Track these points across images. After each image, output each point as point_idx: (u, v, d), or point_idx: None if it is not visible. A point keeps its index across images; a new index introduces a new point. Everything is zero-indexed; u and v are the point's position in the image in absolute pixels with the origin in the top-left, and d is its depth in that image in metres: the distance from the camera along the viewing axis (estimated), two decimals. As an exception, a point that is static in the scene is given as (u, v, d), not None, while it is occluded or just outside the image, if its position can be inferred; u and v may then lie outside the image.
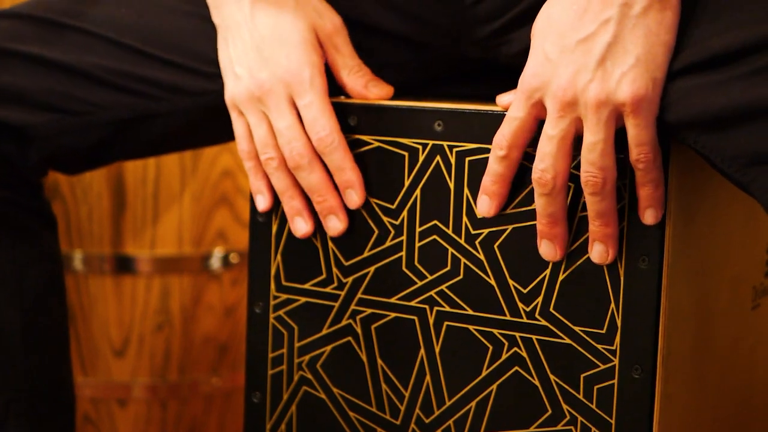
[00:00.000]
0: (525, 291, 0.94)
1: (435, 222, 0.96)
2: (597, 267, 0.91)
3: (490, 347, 0.95)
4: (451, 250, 0.96)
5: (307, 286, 1.02)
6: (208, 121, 1.07)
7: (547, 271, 0.92)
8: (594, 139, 0.86)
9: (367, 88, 1.01)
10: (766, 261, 1.07)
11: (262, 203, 1.03)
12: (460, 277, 0.96)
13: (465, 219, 0.95)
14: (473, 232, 0.95)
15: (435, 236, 0.96)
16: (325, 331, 1.02)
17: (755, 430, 1.11)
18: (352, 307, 1.00)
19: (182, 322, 1.53)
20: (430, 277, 0.97)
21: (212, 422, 1.58)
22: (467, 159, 0.94)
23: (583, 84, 0.85)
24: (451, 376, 0.97)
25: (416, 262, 0.97)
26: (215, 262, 1.54)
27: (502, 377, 0.95)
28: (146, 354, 1.53)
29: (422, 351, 0.98)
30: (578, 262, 0.91)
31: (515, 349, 0.94)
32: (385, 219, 0.98)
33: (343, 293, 1.01)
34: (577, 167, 0.88)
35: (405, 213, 0.98)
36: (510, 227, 0.93)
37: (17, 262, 1.08)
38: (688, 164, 0.91)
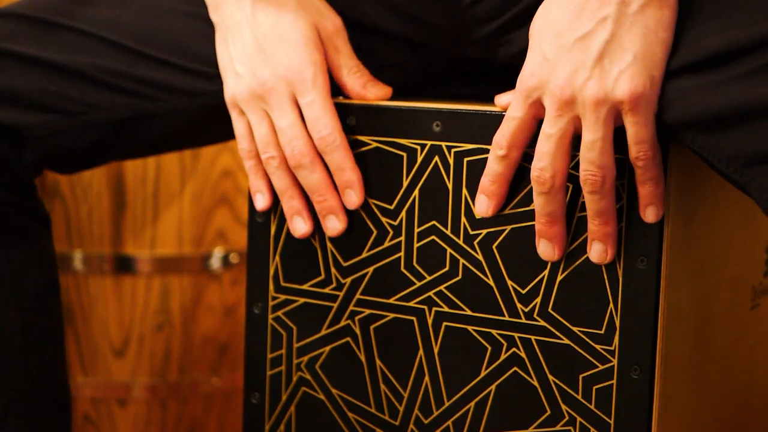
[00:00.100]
0: (523, 291, 0.93)
1: (433, 222, 0.96)
2: (596, 267, 0.91)
3: (489, 348, 0.95)
4: (449, 250, 0.96)
5: (305, 286, 1.02)
6: (207, 121, 1.07)
7: (546, 272, 0.92)
8: (593, 137, 0.86)
9: (366, 88, 1.01)
10: (765, 261, 1.07)
11: (262, 202, 1.03)
12: (459, 277, 0.96)
13: (463, 219, 0.95)
14: (472, 232, 0.95)
15: (433, 237, 0.96)
16: (323, 332, 1.02)
17: (755, 430, 1.11)
18: (351, 307, 1.00)
19: (182, 322, 1.53)
20: (428, 278, 0.97)
21: (212, 422, 1.58)
22: (466, 159, 0.94)
23: (581, 82, 0.85)
24: (450, 376, 0.97)
25: (415, 263, 0.97)
26: (215, 262, 1.54)
27: (501, 378, 0.95)
28: (146, 354, 1.53)
29: (421, 351, 0.98)
30: (577, 263, 0.91)
31: (514, 349, 0.94)
32: (384, 219, 0.98)
33: (341, 294, 1.01)
34: (576, 167, 0.88)
35: (403, 213, 0.97)
36: (509, 228, 0.93)
37: (16, 262, 1.07)
38: (688, 164, 0.91)
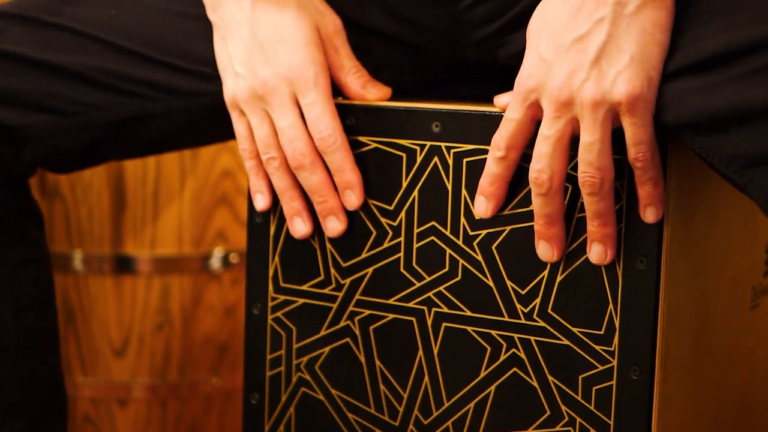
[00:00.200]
0: (523, 292, 0.93)
1: (433, 223, 0.96)
2: (595, 268, 0.90)
3: (489, 348, 0.95)
4: (449, 251, 0.96)
5: (305, 287, 1.02)
6: (206, 121, 1.07)
7: (545, 272, 0.92)
8: (591, 139, 0.86)
9: (365, 89, 1.01)
10: (765, 261, 1.07)
11: (262, 203, 1.02)
12: (458, 278, 0.96)
13: (463, 220, 0.95)
14: (471, 233, 0.95)
15: (433, 237, 0.96)
16: (323, 333, 1.02)
17: (755, 430, 1.11)
18: (350, 308, 1.00)
19: (182, 322, 1.53)
20: (428, 279, 0.97)
21: (212, 422, 1.58)
22: (465, 160, 0.94)
23: (578, 84, 0.85)
24: (450, 377, 0.97)
25: (414, 264, 0.97)
26: (215, 262, 1.54)
27: (501, 378, 0.95)
28: (146, 354, 1.53)
29: (420, 352, 0.98)
30: (576, 263, 0.91)
31: (513, 350, 0.94)
32: (383, 220, 0.98)
33: (341, 294, 1.01)
34: (576, 167, 0.88)
35: (403, 214, 0.97)
36: (508, 228, 0.93)
37: (11, 263, 1.07)
38: (687, 164, 0.91)
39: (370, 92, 1.01)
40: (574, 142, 0.87)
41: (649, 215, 0.88)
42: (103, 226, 1.50)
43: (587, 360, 0.91)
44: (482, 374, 0.96)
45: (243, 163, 1.03)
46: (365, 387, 1.00)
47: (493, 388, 0.95)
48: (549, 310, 0.93)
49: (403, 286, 0.98)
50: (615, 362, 0.91)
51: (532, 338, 0.93)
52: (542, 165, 0.88)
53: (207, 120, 1.07)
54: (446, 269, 0.96)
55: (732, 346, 1.03)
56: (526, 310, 0.93)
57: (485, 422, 0.96)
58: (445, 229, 0.96)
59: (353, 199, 0.99)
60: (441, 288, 0.96)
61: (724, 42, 0.83)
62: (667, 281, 0.89)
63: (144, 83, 1.04)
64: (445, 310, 0.96)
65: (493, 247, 0.94)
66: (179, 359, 1.54)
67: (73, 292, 1.51)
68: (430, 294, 0.97)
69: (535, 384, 0.94)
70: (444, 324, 0.97)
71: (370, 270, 0.99)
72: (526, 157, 0.91)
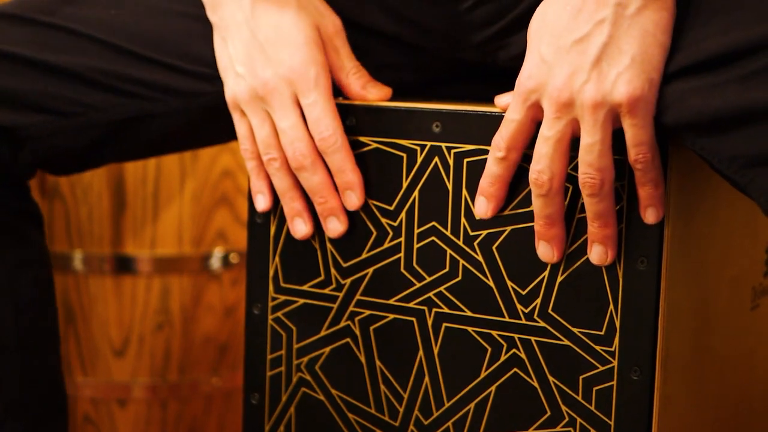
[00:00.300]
0: (523, 292, 0.93)
1: (433, 223, 0.96)
2: (595, 268, 0.90)
3: (489, 349, 0.95)
4: (449, 251, 0.96)
5: (305, 287, 1.02)
6: (206, 121, 1.07)
7: (546, 273, 0.92)
8: (591, 140, 0.86)
9: (365, 89, 1.01)
10: (765, 261, 1.07)
11: (262, 203, 1.02)
12: (459, 278, 0.96)
13: (463, 220, 0.95)
14: (471, 233, 0.95)
15: (433, 237, 0.96)
16: (323, 333, 1.02)
17: (755, 430, 1.11)
18: (351, 308, 1.00)
19: (182, 322, 1.53)
20: (428, 279, 0.97)
21: (212, 422, 1.58)
22: (465, 160, 0.94)
23: (579, 85, 0.85)
24: (450, 377, 0.97)
25: (414, 264, 0.97)
26: (215, 262, 1.54)
27: (501, 379, 0.95)
28: (146, 354, 1.53)
29: (421, 352, 0.98)
30: (577, 264, 0.91)
31: (514, 350, 0.94)
32: (384, 220, 0.98)
33: (341, 295, 1.01)
34: (576, 168, 0.88)
35: (403, 214, 0.97)
36: (508, 229, 0.93)
37: (11, 263, 1.07)
38: (688, 165, 0.91)
39: (371, 92, 1.01)
40: (574, 143, 0.87)
41: (649, 216, 0.88)
42: (103, 226, 1.50)
43: (588, 360, 0.91)
44: (483, 374, 0.96)
45: (243, 163, 1.03)
46: (365, 387, 1.00)
47: (493, 388, 0.95)
48: (549, 311, 0.93)
49: (404, 287, 0.98)
50: (615, 363, 0.91)
51: (532, 338, 0.93)
52: (542, 166, 0.88)
53: (207, 121, 1.07)
54: (447, 269, 0.96)
55: (732, 346, 1.03)
56: (526, 311, 0.93)
57: (486, 422, 0.96)
58: (446, 229, 0.96)
59: (354, 199, 0.99)
60: (441, 288, 0.96)
61: (724, 43, 0.83)
62: (668, 282, 0.89)
63: (144, 84, 1.04)
64: (446, 310, 0.96)
65: (494, 248, 0.94)
66: (179, 359, 1.54)
67: (73, 292, 1.51)
68: (431, 294, 0.97)
69: (536, 384, 0.94)
70: (444, 324, 0.97)
71: (371, 270, 0.99)
72: (526, 157, 0.91)
